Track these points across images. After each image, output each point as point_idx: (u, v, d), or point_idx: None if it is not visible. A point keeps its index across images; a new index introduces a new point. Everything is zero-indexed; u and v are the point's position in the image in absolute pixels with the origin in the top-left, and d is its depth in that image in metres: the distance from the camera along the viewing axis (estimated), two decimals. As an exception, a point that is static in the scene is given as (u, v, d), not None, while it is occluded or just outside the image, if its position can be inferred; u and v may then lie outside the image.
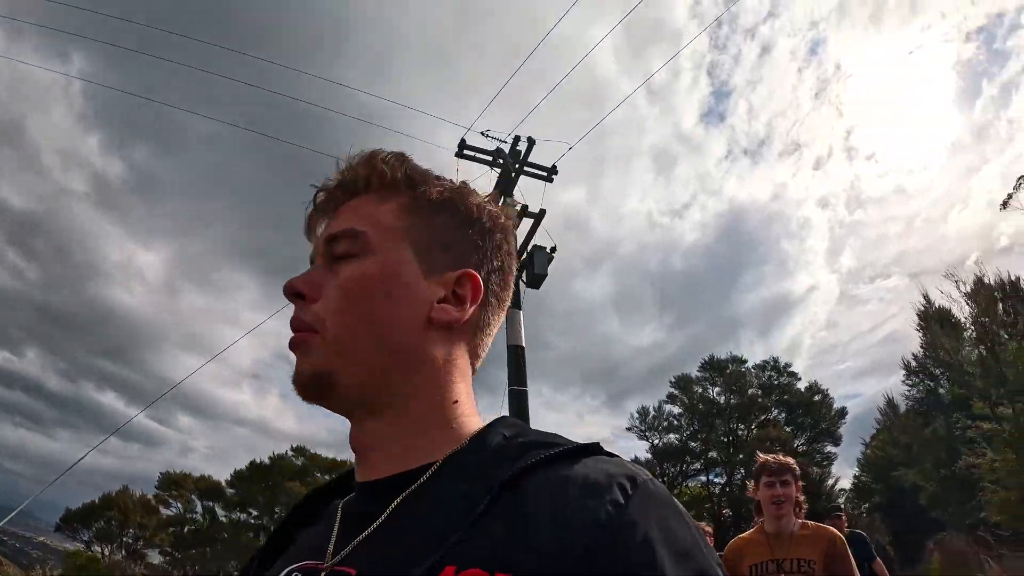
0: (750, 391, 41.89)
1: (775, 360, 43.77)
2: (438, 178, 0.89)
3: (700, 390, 42.47)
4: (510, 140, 13.46)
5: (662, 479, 40.68)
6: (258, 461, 44.49)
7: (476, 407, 0.85)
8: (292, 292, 0.81)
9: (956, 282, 24.16)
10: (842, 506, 12.54)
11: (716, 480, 40.76)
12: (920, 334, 31.72)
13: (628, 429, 43.20)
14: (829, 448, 41.31)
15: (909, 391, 35.22)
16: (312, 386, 0.77)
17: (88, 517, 42.33)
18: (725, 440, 40.36)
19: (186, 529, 44.63)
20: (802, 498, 3.77)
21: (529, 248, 12.11)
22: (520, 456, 0.69)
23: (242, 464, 45.86)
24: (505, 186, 13.08)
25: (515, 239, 0.95)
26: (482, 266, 0.87)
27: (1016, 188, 28.64)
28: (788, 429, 40.48)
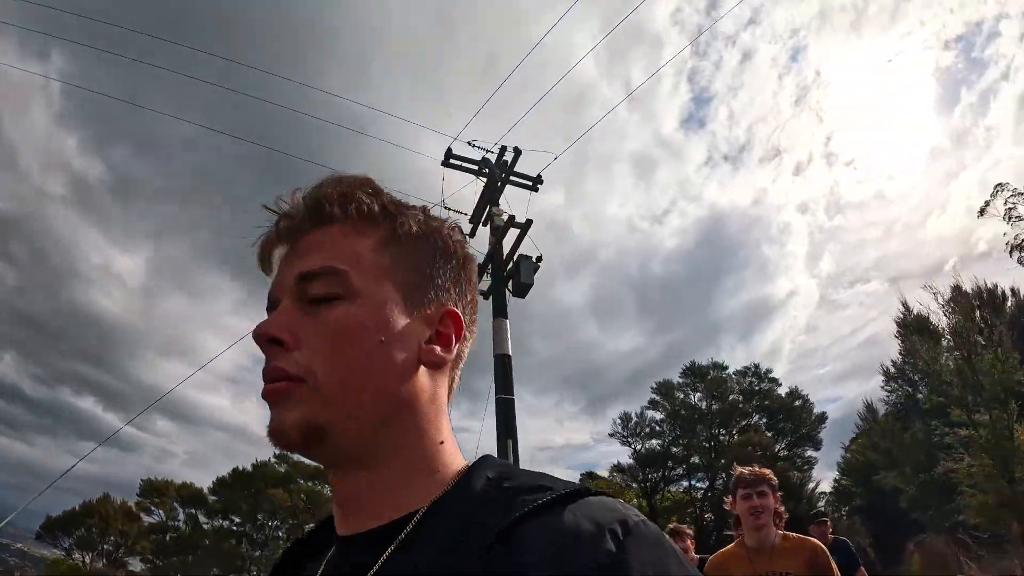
0: (731, 397, 42.17)
1: (756, 366, 44.12)
2: (408, 206, 0.85)
3: (682, 396, 42.70)
4: (496, 150, 13.60)
5: (644, 484, 41.04)
6: (240, 468, 44.24)
7: (455, 442, 0.83)
8: (269, 339, 0.73)
9: (935, 294, 24.51)
10: (824, 511, 12.68)
11: (698, 485, 41.00)
12: (899, 341, 32.18)
13: (611, 435, 43.38)
14: (810, 452, 41.70)
15: (888, 396, 35.63)
16: (298, 440, 0.71)
17: (69, 525, 42.05)
18: (707, 446, 40.57)
19: (168, 536, 44.37)
20: (781, 509, 3.66)
21: (515, 258, 12.15)
22: (508, 503, 0.66)
23: (221, 470, 45.69)
24: (491, 196, 13.20)
25: (476, 265, 0.93)
26: (460, 301, 0.85)
27: (993, 195, 29.18)
28: (769, 434, 40.83)
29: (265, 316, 0.78)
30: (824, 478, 42.18)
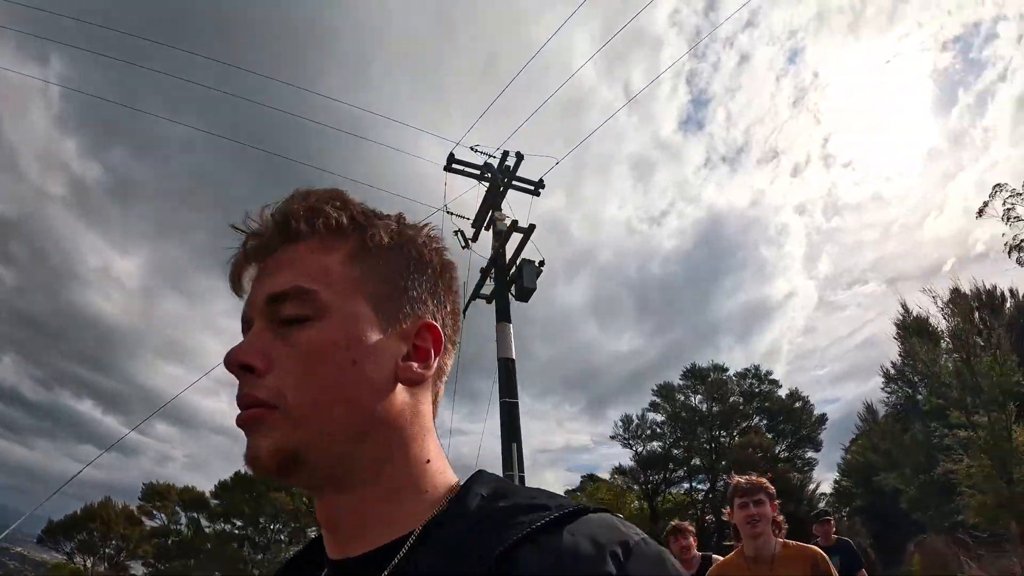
0: (732, 399, 42.32)
1: (756, 368, 44.31)
2: (379, 215, 0.82)
3: (682, 398, 42.89)
4: (497, 154, 13.66)
5: (646, 486, 41.11)
6: (242, 471, 44.16)
7: (446, 458, 0.81)
8: (239, 365, 0.71)
9: (933, 297, 24.62)
10: (827, 510, 12.69)
11: (699, 487, 41.15)
12: (898, 343, 32.26)
13: (612, 437, 43.62)
14: (810, 454, 41.84)
15: (888, 397, 35.72)
16: (273, 467, 0.69)
17: (71, 529, 42.07)
18: (708, 447, 40.69)
19: (170, 540, 44.40)
20: (780, 518, 3.60)
21: (518, 262, 12.22)
22: (504, 524, 0.64)
23: (221, 473, 45.74)
24: (493, 200, 13.27)
25: (457, 271, 0.89)
26: (438, 312, 0.82)
27: (992, 196, 29.25)
28: (769, 436, 41.00)
29: (240, 337, 0.76)
30: (824, 479, 42.34)
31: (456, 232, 13.58)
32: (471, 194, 13.96)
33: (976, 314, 24.58)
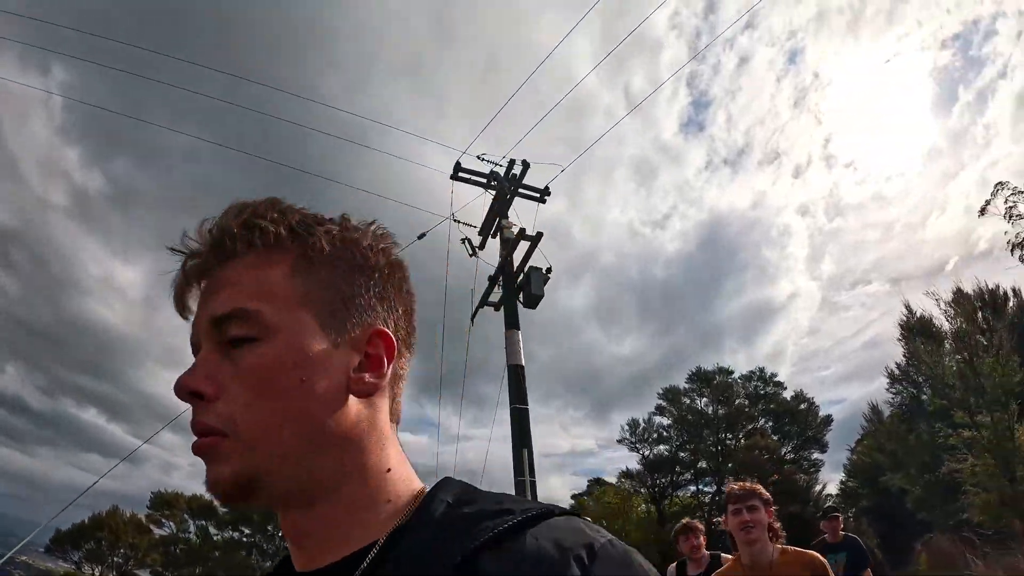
0: (737, 401, 42.30)
1: (761, 370, 44.28)
2: (320, 220, 0.79)
3: (688, 401, 42.88)
4: (503, 162, 13.78)
5: (653, 490, 41.18)
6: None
7: (409, 464, 0.81)
8: (188, 392, 0.70)
9: (936, 300, 24.75)
10: (836, 505, 12.72)
11: (706, 490, 41.17)
12: (902, 344, 32.35)
13: (619, 441, 43.66)
14: (816, 455, 41.86)
15: (893, 398, 35.79)
16: (233, 493, 0.69)
17: (79, 538, 42.20)
18: (714, 450, 40.72)
19: (178, 548, 44.51)
20: (777, 525, 3.51)
21: (526, 269, 12.30)
22: (469, 529, 0.64)
23: (227, 481, 45.93)
24: (500, 209, 13.37)
25: (407, 269, 0.87)
26: (389, 317, 0.80)
27: (994, 194, 29.29)
28: (775, 438, 40.99)
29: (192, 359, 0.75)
30: (831, 480, 42.37)
31: (463, 240, 13.69)
32: (475, 200, 14.07)
33: (979, 314, 24.73)
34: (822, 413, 42.91)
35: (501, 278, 12.74)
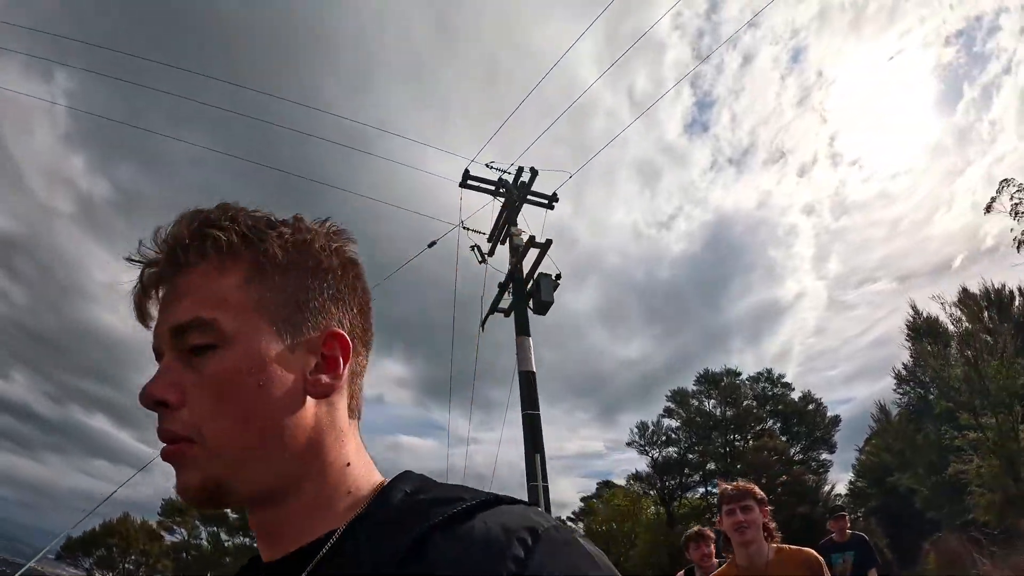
0: (745, 403, 42.44)
1: (769, 371, 44.45)
2: (272, 224, 0.80)
3: (696, 403, 43.06)
4: (511, 169, 13.84)
5: (662, 492, 41.21)
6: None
7: (368, 457, 0.83)
8: (154, 401, 0.72)
9: (942, 304, 24.82)
10: (843, 504, 12.65)
11: (715, 491, 41.09)
12: (909, 344, 32.38)
13: (628, 444, 43.84)
14: (824, 455, 41.89)
15: (900, 399, 35.79)
16: (202, 499, 0.72)
17: (90, 545, 42.40)
18: (722, 451, 40.81)
19: (188, 555, 44.65)
20: (773, 525, 3.45)
21: (535, 276, 12.35)
22: (423, 515, 0.67)
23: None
24: (509, 216, 13.44)
25: (362, 267, 0.88)
26: (344, 317, 0.82)
27: (999, 191, 29.25)
28: (784, 439, 41.04)
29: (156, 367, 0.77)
30: (840, 479, 42.40)
31: (473, 247, 13.77)
32: (482, 206, 14.11)
33: (985, 313, 24.80)
34: (830, 413, 43.08)
35: (511, 285, 12.78)
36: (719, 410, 42.41)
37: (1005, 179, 28.90)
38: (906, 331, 32.37)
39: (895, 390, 36.22)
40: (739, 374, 43.68)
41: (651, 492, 42.35)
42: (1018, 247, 28.82)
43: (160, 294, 0.78)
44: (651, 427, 43.35)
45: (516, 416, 11.12)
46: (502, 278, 13.19)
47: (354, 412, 0.83)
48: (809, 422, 42.07)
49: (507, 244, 13.41)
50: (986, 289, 28.60)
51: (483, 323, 13.48)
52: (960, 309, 24.70)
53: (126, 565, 44.04)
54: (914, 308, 31.97)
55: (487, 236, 14.12)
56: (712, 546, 5.65)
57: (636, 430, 43.61)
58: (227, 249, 0.76)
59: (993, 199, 29.55)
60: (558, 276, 12.55)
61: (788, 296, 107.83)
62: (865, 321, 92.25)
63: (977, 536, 21.28)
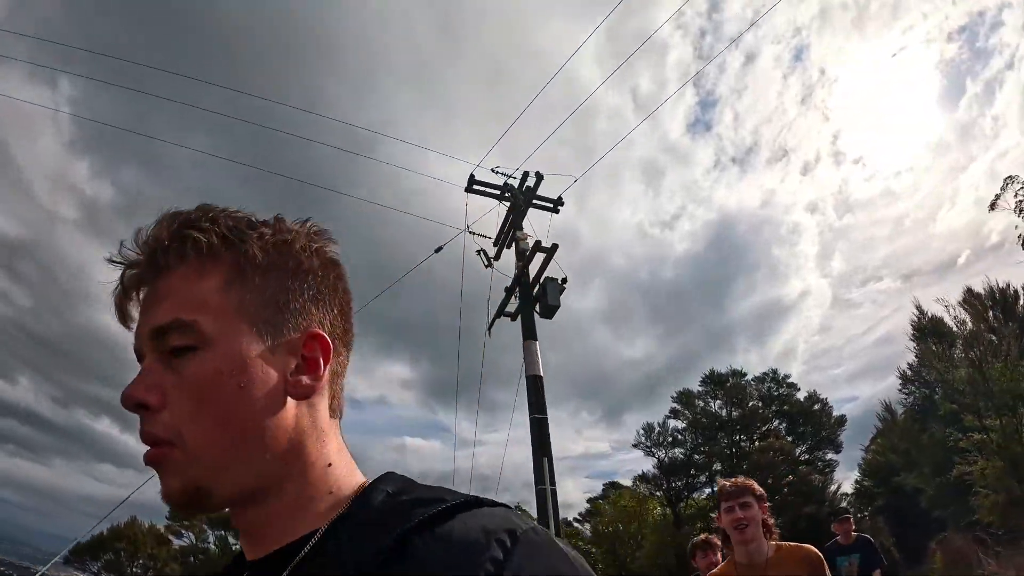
0: (751, 403, 42.41)
1: (774, 372, 44.44)
2: (252, 225, 0.80)
3: (702, 404, 43.07)
4: (516, 173, 13.90)
5: (669, 493, 41.22)
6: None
7: (350, 457, 0.83)
8: (135, 404, 0.72)
9: (946, 307, 24.86)
10: (847, 508, 12.65)
11: (722, 493, 41.13)
12: (914, 344, 32.39)
13: (635, 446, 43.80)
14: (830, 455, 41.87)
15: (905, 399, 35.77)
16: (185, 503, 0.72)
17: (97, 549, 42.47)
18: (728, 452, 40.78)
19: (196, 559, 44.71)
20: (771, 521, 3.39)
21: (542, 280, 12.38)
22: (404, 516, 0.67)
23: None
24: (515, 220, 13.50)
25: (343, 267, 0.88)
26: (325, 317, 0.82)
27: (1003, 189, 29.23)
28: (789, 439, 41.02)
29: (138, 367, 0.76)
30: (846, 478, 42.34)
31: (479, 251, 13.85)
32: (488, 210, 14.20)
33: (990, 313, 24.83)
34: (835, 412, 43.11)
35: (517, 289, 12.82)
36: (725, 411, 42.42)
37: (1009, 176, 28.87)
38: (911, 331, 32.38)
39: (900, 390, 36.26)
40: (744, 375, 43.69)
41: (657, 493, 42.36)
42: (1023, 244, 28.85)
43: (141, 296, 0.78)
44: (657, 428, 43.40)
45: (521, 418, 11.16)
46: (508, 282, 13.21)
47: (335, 412, 0.84)
48: (815, 422, 42.04)
49: (513, 248, 13.45)
50: (991, 288, 28.64)
51: (490, 327, 13.54)
52: (965, 309, 24.73)
53: (134, 569, 44.10)
54: (919, 308, 31.99)
55: (493, 240, 14.18)
56: (719, 554, 5.53)
57: (642, 431, 43.64)
58: (207, 251, 0.76)
59: (997, 196, 29.53)
60: (564, 280, 12.57)
61: (792, 295, 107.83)
62: (869, 319, 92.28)
63: (982, 536, 21.32)
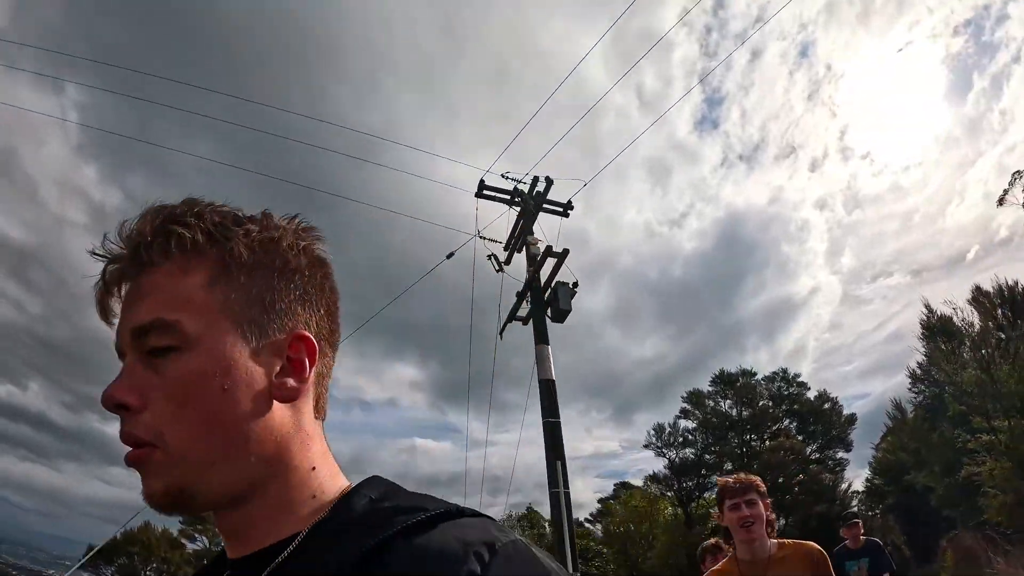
0: (761, 403, 42.45)
1: (784, 371, 44.46)
2: (239, 221, 0.78)
3: (712, 404, 43.13)
4: (527, 178, 13.97)
5: (680, 493, 41.27)
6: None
7: (333, 460, 0.82)
8: (114, 404, 0.70)
9: (954, 308, 24.92)
10: (857, 510, 12.68)
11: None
12: (922, 345, 32.37)
13: (646, 446, 43.93)
14: (841, 454, 41.88)
15: (915, 398, 35.73)
16: (167, 505, 0.71)
17: (111, 553, 42.66)
18: (739, 452, 40.82)
19: (205, 561, 44.85)
20: (772, 517, 3.31)
21: (553, 285, 12.41)
22: (383, 523, 0.66)
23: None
24: (525, 225, 13.58)
25: (330, 265, 0.86)
26: (311, 318, 0.80)
27: (1011, 184, 29.26)
28: (800, 438, 41.03)
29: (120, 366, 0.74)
30: (857, 476, 42.36)
31: (490, 256, 13.87)
32: (498, 216, 14.30)
33: (999, 311, 24.85)
34: (846, 409, 43.20)
35: (529, 293, 12.90)
36: (735, 410, 42.49)
37: (1017, 171, 28.98)
38: (920, 330, 32.37)
39: (910, 389, 36.20)
40: (754, 374, 43.74)
41: (668, 493, 42.44)
42: (1032, 240, 28.83)
43: (123, 291, 0.76)
44: (668, 428, 43.49)
45: (532, 418, 11.22)
46: (518, 286, 13.29)
47: (320, 413, 0.82)
48: (825, 421, 42.07)
49: (523, 252, 13.51)
50: (999, 286, 28.62)
51: (501, 332, 13.64)
52: (973, 306, 24.76)
53: (147, 573, 44.32)
54: (928, 307, 31.98)
55: (503, 244, 14.25)
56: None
57: (653, 432, 43.74)
58: (191, 248, 0.74)
59: (1006, 191, 29.56)
60: (575, 284, 12.62)
61: (802, 292, 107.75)
62: (880, 315, 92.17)
63: (992, 535, 21.35)
